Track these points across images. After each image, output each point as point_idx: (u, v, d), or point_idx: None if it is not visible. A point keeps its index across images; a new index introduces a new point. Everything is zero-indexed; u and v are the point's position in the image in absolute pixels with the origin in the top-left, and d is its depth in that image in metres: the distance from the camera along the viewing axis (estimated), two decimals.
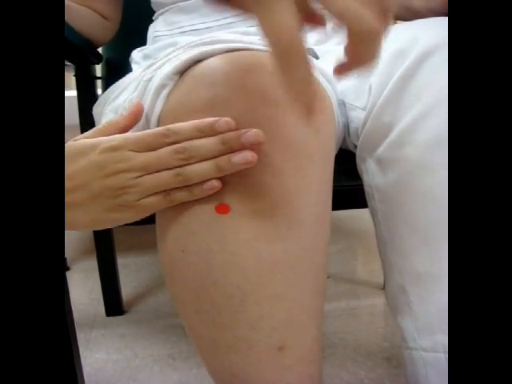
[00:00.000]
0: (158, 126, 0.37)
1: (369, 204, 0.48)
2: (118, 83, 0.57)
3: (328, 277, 1.18)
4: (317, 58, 0.59)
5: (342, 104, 0.49)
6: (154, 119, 0.38)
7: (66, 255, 1.34)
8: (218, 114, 0.34)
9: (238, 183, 0.35)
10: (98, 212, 0.36)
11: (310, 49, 0.61)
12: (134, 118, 0.37)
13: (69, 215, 0.36)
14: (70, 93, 0.87)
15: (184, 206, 0.36)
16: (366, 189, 0.48)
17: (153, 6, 0.71)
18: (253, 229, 0.35)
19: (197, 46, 0.42)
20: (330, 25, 0.61)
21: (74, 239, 1.49)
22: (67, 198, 0.35)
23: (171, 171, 0.34)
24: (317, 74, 0.42)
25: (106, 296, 0.99)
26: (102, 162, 0.34)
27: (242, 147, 0.33)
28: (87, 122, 0.83)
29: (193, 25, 0.62)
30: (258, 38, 0.42)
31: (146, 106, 0.38)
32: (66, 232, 0.39)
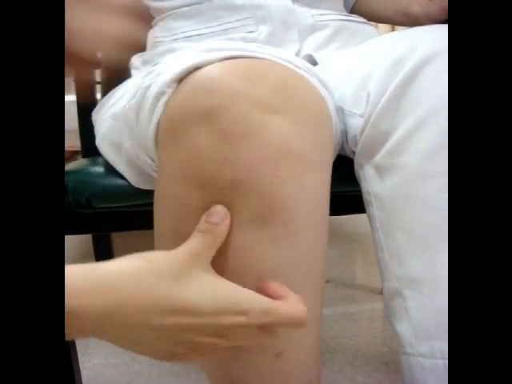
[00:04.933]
0: (156, 133, 0.37)
1: (367, 210, 0.48)
2: (117, 89, 0.58)
3: (327, 281, 1.18)
4: (315, 64, 0.59)
5: (340, 111, 0.49)
6: (152, 126, 0.38)
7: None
8: (214, 122, 0.34)
9: None
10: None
11: (308, 55, 0.61)
12: None
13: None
14: (70, 97, 0.87)
15: (179, 213, 0.36)
16: (364, 195, 0.48)
17: (152, 11, 0.71)
18: (250, 236, 0.35)
19: (195, 53, 0.42)
20: (328, 31, 0.62)
21: (73, 244, 1.49)
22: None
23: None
24: (315, 81, 0.42)
25: None
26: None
27: None
28: (86, 126, 0.83)
29: (192, 31, 0.63)
30: (255, 44, 0.43)
31: (145, 112, 0.38)
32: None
